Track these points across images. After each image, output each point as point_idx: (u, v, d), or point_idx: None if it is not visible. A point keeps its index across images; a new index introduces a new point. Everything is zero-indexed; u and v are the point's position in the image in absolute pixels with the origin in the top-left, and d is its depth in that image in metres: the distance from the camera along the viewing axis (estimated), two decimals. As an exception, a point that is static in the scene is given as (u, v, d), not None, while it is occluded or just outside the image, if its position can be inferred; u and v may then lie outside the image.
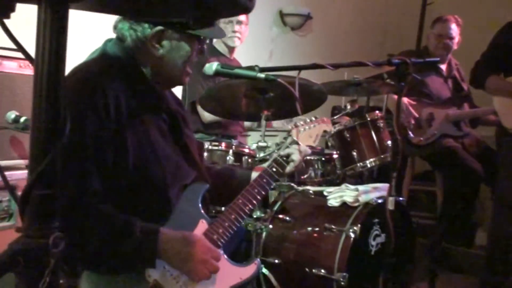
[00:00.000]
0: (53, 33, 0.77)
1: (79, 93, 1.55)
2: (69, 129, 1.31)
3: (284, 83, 1.83)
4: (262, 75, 1.81)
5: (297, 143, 2.07)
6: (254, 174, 2.02)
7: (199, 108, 3.33)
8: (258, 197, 1.87)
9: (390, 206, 2.05)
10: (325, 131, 2.20)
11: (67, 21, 0.80)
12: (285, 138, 2.13)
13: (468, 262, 3.92)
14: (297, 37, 5.06)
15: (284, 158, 2.02)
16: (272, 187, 2.02)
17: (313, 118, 2.14)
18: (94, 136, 1.52)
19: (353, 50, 5.36)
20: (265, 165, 2.02)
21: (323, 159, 3.10)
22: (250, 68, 1.89)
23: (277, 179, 2.00)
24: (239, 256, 2.02)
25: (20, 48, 0.79)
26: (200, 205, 1.75)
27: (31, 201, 0.76)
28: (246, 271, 1.75)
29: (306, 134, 2.11)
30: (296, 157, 2.02)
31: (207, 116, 3.36)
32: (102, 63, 1.67)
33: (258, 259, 1.84)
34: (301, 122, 2.12)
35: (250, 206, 1.83)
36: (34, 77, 0.77)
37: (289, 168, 2.02)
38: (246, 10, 0.72)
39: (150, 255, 1.55)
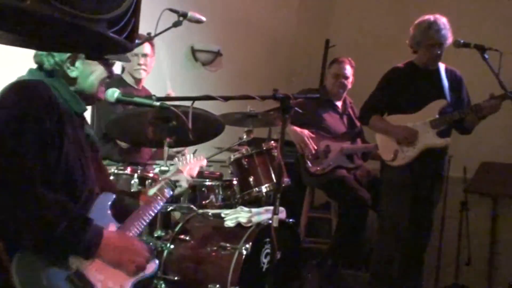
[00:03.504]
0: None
1: (24, 98, 1.77)
2: (15, 131, 1.53)
3: (176, 111, 2.06)
4: (157, 103, 2.05)
5: (183, 173, 2.39)
6: (141, 204, 2.25)
7: None
8: (155, 210, 2.15)
9: (275, 223, 2.28)
10: (201, 166, 2.54)
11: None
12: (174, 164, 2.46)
13: (357, 283, 4.26)
14: (208, 72, 5.29)
15: (174, 183, 2.32)
16: (164, 203, 2.26)
17: (192, 155, 2.47)
18: (40, 135, 1.73)
19: (261, 86, 5.66)
20: (154, 189, 2.28)
21: (223, 185, 3.35)
22: (148, 97, 2.12)
23: (168, 197, 2.27)
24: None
25: None
26: (109, 211, 1.99)
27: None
28: (149, 268, 2.00)
29: (188, 167, 2.45)
30: (183, 184, 2.35)
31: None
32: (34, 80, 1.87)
33: (156, 260, 2.06)
34: (184, 157, 2.50)
35: (149, 216, 2.11)
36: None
37: (176, 191, 2.34)
38: (127, 50, 0.95)
39: (94, 249, 1.79)
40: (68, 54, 1.87)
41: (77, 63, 1.91)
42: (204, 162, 2.53)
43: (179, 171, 2.36)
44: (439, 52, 3.61)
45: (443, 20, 3.59)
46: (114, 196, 2.03)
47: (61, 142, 1.80)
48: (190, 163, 2.46)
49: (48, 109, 1.77)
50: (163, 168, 2.68)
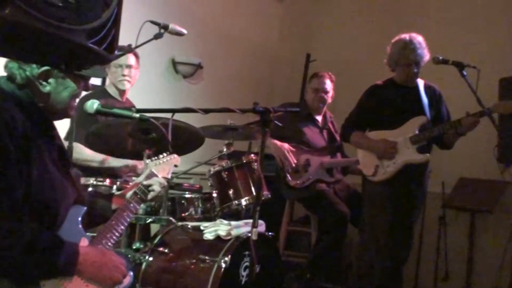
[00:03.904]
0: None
1: None
2: None
3: (156, 123, 2.05)
4: (136, 115, 2.04)
5: (156, 176, 2.28)
6: (114, 207, 2.21)
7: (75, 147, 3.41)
8: (128, 218, 2.10)
9: (254, 236, 2.27)
10: (175, 165, 2.41)
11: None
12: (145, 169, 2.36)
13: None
14: (189, 85, 5.29)
15: (146, 187, 2.23)
16: (138, 209, 2.22)
17: (165, 154, 2.38)
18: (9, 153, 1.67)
19: (242, 99, 5.68)
20: (128, 195, 2.21)
21: (203, 197, 3.33)
22: (128, 108, 2.11)
23: (141, 203, 2.21)
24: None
25: None
26: (80, 225, 1.95)
27: None
28: (124, 281, 1.96)
29: (160, 167, 2.33)
30: (156, 188, 2.25)
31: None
32: (1, 96, 1.82)
33: (131, 272, 2.03)
34: (155, 157, 2.37)
35: (122, 226, 2.06)
36: None
37: (149, 196, 2.24)
38: (107, 61, 0.95)
39: (72, 267, 1.77)
40: (41, 70, 1.83)
41: (50, 79, 1.86)
42: (178, 161, 2.43)
43: (152, 174, 2.27)
44: (416, 70, 3.67)
45: (418, 39, 3.64)
46: (84, 208, 1.98)
47: (29, 159, 1.75)
48: (163, 163, 2.36)
49: (9, 130, 1.71)
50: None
